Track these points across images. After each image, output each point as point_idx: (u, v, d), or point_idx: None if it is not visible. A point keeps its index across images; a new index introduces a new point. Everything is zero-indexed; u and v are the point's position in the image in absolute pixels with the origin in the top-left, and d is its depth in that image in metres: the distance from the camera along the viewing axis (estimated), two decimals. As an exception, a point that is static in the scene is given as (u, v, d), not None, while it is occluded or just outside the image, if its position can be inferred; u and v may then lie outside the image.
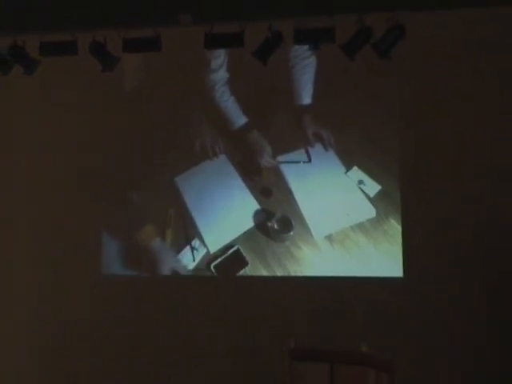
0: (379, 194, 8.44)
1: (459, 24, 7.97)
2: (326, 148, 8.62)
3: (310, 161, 8.60)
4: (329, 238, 8.48)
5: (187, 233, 8.85)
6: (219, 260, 8.72)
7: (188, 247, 8.80)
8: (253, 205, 8.74)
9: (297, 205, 8.61)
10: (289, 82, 8.74)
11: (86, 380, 8.71)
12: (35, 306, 9.07)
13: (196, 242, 8.80)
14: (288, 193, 8.67)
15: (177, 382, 8.53)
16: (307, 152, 8.64)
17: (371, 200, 8.44)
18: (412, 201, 8.23)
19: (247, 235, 8.69)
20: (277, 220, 8.60)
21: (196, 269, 8.77)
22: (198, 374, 8.50)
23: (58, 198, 9.08)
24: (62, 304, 8.95)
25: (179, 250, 8.84)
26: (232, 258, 8.70)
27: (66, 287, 8.97)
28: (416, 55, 8.08)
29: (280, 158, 8.71)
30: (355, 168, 8.53)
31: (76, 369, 8.79)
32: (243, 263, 8.65)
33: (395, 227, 8.31)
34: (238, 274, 8.68)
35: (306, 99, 8.69)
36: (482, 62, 8.07)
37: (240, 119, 8.82)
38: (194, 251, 8.76)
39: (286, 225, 8.57)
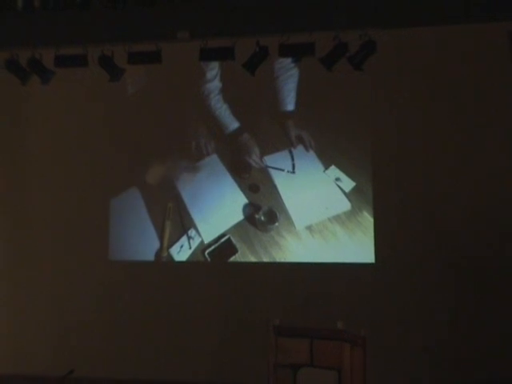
0: (354, 189, 8.52)
1: (430, 39, 8.06)
2: (307, 149, 8.69)
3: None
4: (309, 228, 8.56)
5: (184, 224, 8.91)
6: (212, 248, 8.80)
7: (185, 236, 8.87)
8: (242, 199, 8.81)
9: (281, 199, 8.69)
10: (274, 90, 8.79)
11: (93, 356, 8.78)
12: (50, 290, 9.14)
13: (192, 232, 8.87)
14: (273, 188, 8.74)
15: (176, 354, 8.64)
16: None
17: (347, 195, 8.53)
18: (383, 196, 8.34)
19: (237, 226, 8.77)
20: (263, 213, 8.70)
21: (192, 255, 8.84)
22: (194, 344, 8.62)
23: (70, 192, 9.15)
24: (72, 287, 9.03)
25: (177, 238, 8.90)
26: (224, 246, 8.78)
27: (75, 272, 9.05)
28: (386, 66, 8.13)
29: (268, 159, 8.78)
30: (333, 167, 8.60)
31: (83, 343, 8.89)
32: (233, 251, 8.74)
33: (368, 219, 8.42)
34: (228, 260, 8.76)
35: (290, 106, 8.76)
36: (449, 73, 8.20)
37: (232, 124, 8.89)
38: (190, 240, 8.84)
39: (272, 217, 8.67)
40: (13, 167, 9.41)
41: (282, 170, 8.70)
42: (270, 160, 8.78)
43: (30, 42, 7.54)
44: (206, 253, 8.80)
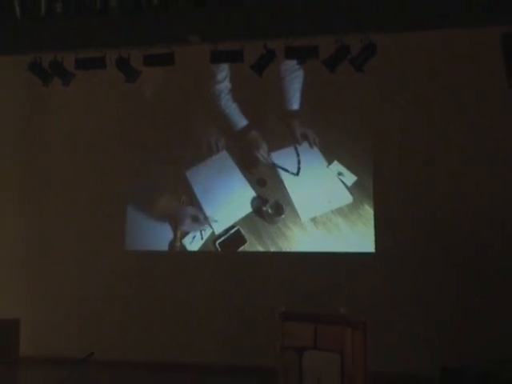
0: (355, 183, 8.58)
1: (431, 42, 8.08)
2: (311, 145, 8.74)
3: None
4: (313, 220, 8.63)
5: (196, 216, 9.02)
6: (223, 238, 8.87)
7: (197, 228, 8.97)
8: (250, 193, 8.88)
9: (287, 192, 8.75)
10: (280, 90, 8.84)
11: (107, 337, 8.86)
12: (69, 279, 9.22)
13: (204, 224, 8.98)
14: (280, 183, 8.80)
15: (185, 338, 8.71)
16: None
17: (349, 189, 8.60)
18: (382, 189, 8.40)
19: (246, 218, 8.84)
20: (270, 205, 8.76)
21: (204, 245, 8.91)
22: (203, 330, 8.71)
23: (87, 190, 9.23)
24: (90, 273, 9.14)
25: (189, 230, 9.00)
26: (233, 237, 8.85)
27: (95, 262, 9.14)
28: (388, 68, 8.17)
29: (274, 155, 8.83)
30: (335, 162, 8.66)
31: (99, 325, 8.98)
32: (242, 241, 8.81)
33: (368, 211, 8.48)
34: (238, 250, 8.83)
35: (295, 105, 8.81)
36: (451, 75, 8.20)
37: (241, 122, 8.95)
38: (202, 231, 8.90)
39: (278, 209, 8.73)
40: (31, 165, 9.48)
41: (287, 171, 8.74)
42: (276, 156, 8.84)
43: (52, 46, 7.62)
44: (217, 243, 8.87)
